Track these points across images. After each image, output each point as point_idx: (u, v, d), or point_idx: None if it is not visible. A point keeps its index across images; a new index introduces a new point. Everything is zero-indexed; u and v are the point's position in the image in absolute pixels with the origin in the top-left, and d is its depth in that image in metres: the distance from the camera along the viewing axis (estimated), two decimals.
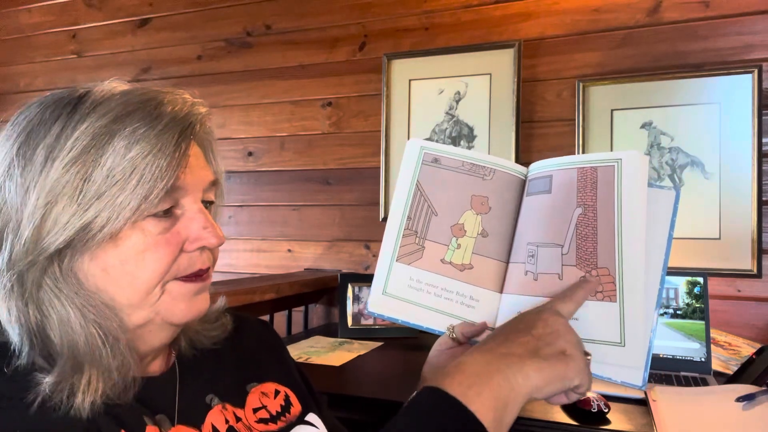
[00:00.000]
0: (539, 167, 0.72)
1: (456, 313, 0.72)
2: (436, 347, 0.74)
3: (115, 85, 0.58)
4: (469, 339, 0.71)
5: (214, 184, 0.62)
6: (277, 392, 0.70)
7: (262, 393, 0.68)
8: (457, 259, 0.73)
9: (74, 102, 0.55)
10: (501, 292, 0.71)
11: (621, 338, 0.62)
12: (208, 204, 0.62)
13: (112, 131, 0.53)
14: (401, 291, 0.73)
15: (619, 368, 0.62)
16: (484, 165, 0.74)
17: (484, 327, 0.70)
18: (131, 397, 0.54)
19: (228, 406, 0.64)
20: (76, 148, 0.52)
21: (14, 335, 0.52)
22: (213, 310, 0.70)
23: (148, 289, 0.55)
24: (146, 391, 0.57)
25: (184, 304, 0.58)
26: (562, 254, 0.66)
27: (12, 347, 0.52)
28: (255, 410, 0.66)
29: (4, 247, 0.53)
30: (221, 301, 0.72)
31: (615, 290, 0.63)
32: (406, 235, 0.74)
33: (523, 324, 0.60)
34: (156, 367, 0.63)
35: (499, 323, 0.70)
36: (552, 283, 0.66)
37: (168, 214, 0.56)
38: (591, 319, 0.63)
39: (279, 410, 0.68)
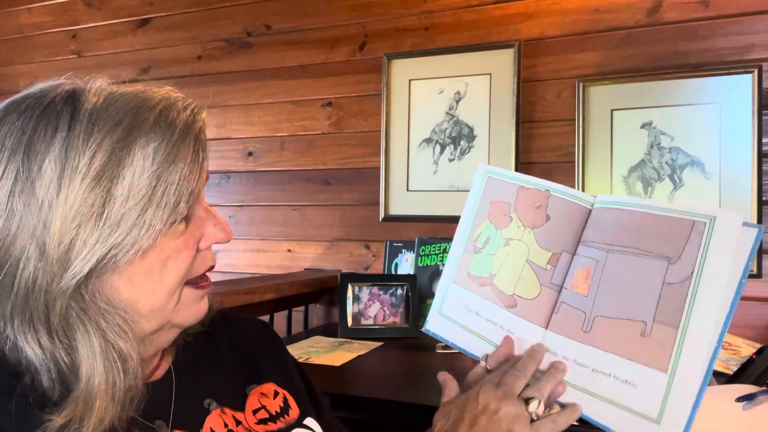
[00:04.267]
0: (611, 202, 0.68)
1: (496, 342, 0.70)
2: (473, 371, 0.72)
3: (100, 85, 0.55)
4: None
5: (207, 180, 0.63)
6: (276, 393, 0.69)
7: (262, 394, 0.68)
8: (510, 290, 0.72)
9: (69, 109, 0.52)
10: (546, 327, 0.68)
11: (658, 415, 0.56)
12: None
13: (128, 144, 0.51)
14: (454, 313, 0.74)
15: None
16: (539, 188, 0.72)
17: (511, 355, 0.68)
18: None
19: (227, 410, 0.63)
20: (95, 165, 0.49)
21: (35, 360, 0.50)
22: None
23: (170, 293, 0.56)
24: (143, 396, 0.56)
25: (194, 309, 0.60)
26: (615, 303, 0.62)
27: (28, 371, 0.51)
28: (255, 411, 0.65)
29: (25, 271, 0.50)
30: None
31: (668, 360, 0.57)
32: (464, 258, 0.75)
33: (466, 416, 0.62)
34: (151, 369, 0.62)
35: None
36: (575, 323, 0.64)
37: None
38: (633, 384, 0.58)
39: (278, 411, 0.67)
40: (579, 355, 0.63)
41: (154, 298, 0.55)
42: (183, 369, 0.64)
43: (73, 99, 0.53)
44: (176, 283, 0.56)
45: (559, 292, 0.68)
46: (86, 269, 0.50)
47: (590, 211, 0.69)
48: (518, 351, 0.68)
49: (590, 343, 0.63)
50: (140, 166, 0.51)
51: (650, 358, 0.58)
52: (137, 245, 0.51)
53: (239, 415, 0.64)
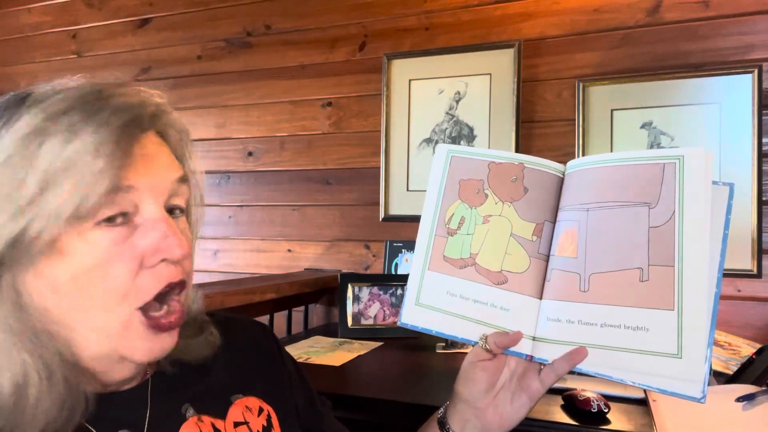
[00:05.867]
0: (580, 164, 0.69)
1: (490, 321, 0.68)
2: (469, 358, 0.69)
3: (65, 81, 0.52)
4: (503, 350, 0.67)
5: (183, 181, 0.55)
6: (261, 410, 0.64)
7: (247, 407, 0.63)
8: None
9: (16, 103, 0.49)
10: (540, 298, 0.68)
11: (678, 349, 0.58)
12: (178, 211, 0.55)
13: (47, 129, 0.47)
14: (434, 300, 0.71)
15: (674, 381, 0.58)
16: (512, 162, 0.72)
17: (519, 337, 0.66)
18: (78, 420, 0.48)
19: (205, 417, 0.58)
20: (7, 149, 0.46)
21: None
22: (194, 321, 0.62)
23: (107, 309, 0.49)
24: (109, 405, 0.52)
25: (146, 344, 0.52)
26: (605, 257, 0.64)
27: None
28: (236, 424, 0.61)
29: None
30: (200, 309, 0.64)
31: (672, 297, 0.59)
32: (437, 243, 0.73)
33: None
34: (125, 377, 0.56)
35: (540, 333, 0.67)
36: (571, 286, 0.65)
37: (124, 222, 0.50)
38: (645, 328, 0.60)
39: (260, 431, 0.63)
40: (583, 315, 0.64)
41: (86, 314, 0.49)
42: (163, 373, 0.59)
43: (26, 96, 0.50)
44: (112, 299, 0.49)
45: (548, 261, 0.69)
46: None
47: (562, 179, 0.71)
48: (515, 326, 0.67)
49: (591, 301, 0.63)
50: (56, 152, 0.46)
51: (655, 300, 0.60)
52: (40, 238, 0.46)
53: (219, 423, 0.59)
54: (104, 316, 0.50)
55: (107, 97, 0.50)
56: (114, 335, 0.50)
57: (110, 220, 0.49)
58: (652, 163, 0.64)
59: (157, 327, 0.52)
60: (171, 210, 0.54)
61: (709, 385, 1.14)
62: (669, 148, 0.64)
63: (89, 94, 0.49)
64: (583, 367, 0.63)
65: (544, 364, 0.66)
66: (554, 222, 0.70)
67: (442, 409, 0.74)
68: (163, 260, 0.51)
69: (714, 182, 0.62)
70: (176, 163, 0.55)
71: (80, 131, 0.47)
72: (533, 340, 0.67)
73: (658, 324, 0.59)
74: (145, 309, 0.51)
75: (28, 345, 0.47)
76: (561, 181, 0.71)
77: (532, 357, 0.67)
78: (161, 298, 0.52)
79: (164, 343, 0.53)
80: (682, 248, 0.60)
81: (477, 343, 0.68)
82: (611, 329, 0.62)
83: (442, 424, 0.72)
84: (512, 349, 0.67)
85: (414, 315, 0.72)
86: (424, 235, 0.74)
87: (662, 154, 0.64)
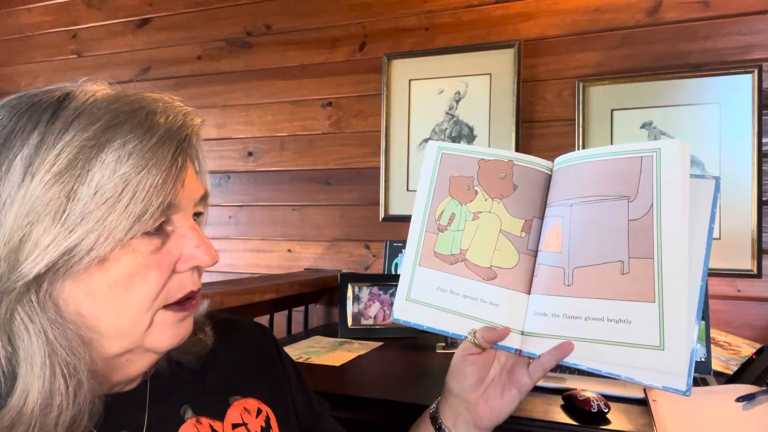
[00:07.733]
0: (565, 161, 0.70)
1: (479, 316, 0.69)
2: (459, 353, 0.70)
3: (96, 87, 0.52)
4: (491, 344, 0.68)
5: (204, 197, 0.58)
6: (259, 411, 0.64)
7: (245, 409, 0.63)
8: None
9: (53, 107, 0.49)
10: (529, 293, 0.69)
11: (660, 341, 0.58)
12: (196, 216, 0.58)
13: (101, 144, 0.47)
14: (425, 295, 0.72)
15: (658, 373, 0.58)
16: (502, 159, 0.72)
17: (506, 332, 0.67)
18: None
19: (203, 419, 0.59)
20: (60, 162, 0.46)
21: None
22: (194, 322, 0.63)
23: (137, 314, 0.51)
24: (108, 407, 0.52)
25: (169, 332, 0.54)
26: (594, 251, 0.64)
27: None
28: (234, 426, 0.61)
29: None
30: (201, 311, 0.65)
31: (653, 290, 0.60)
32: (427, 239, 0.73)
33: None
34: (125, 380, 0.57)
35: (528, 327, 0.67)
36: (556, 280, 0.65)
37: (158, 231, 0.52)
38: (627, 321, 0.60)
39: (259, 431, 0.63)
40: (568, 308, 0.64)
41: (118, 318, 0.50)
42: (162, 375, 0.60)
43: (62, 99, 0.50)
44: (144, 304, 0.51)
45: (536, 256, 0.69)
46: (34, 272, 0.46)
47: (551, 175, 0.71)
48: (504, 321, 0.68)
49: (575, 295, 0.64)
50: (110, 168, 0.47)
51: (636, 293, 0.60)
52: (94, 252, 0.47)
53: (217, 425, 0.60)
54: (133, 318, 0.51)
55: (155, 115, 0.51)
56: (139, 334, 0.52)
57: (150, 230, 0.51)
58: (631, 157, 0.64)
59: (180, 309, 0.54)
60: (193, 217, 0.57)
61: (708, 384, 1.14)
62: (647, 141, 0.64)
63: (139, 110, 0.50)
64: (570, 360, 0.64)
65: (533, 358, 0.67)
66: (542, 218, 0.71)
67: (434, 405, 0.74)
68: (193, 267, 0.54)
69: (701, 176, 0.62)
70: (199, 179, 0.58)
71: (135, 150, 0.48)
72: (522, 334, 0.68)
73: (639, 316, 0.60)
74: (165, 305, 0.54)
75: (62, 354, 0.48)
76: (549, 178, 0.71)
77: (521, 351, 0.67)
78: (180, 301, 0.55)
79: (185, 330, 0.56)
80: (661, 240, 0.60)
81: (466, 337, 0.69)
82: (595, 322, 0.62)
83: (435, 419, 0.72)
84: (502, 343, 0.68)
85: (405, 310, 0.72)
86: (414, 231, 0.74)
87: (640, 148, 0.64)
